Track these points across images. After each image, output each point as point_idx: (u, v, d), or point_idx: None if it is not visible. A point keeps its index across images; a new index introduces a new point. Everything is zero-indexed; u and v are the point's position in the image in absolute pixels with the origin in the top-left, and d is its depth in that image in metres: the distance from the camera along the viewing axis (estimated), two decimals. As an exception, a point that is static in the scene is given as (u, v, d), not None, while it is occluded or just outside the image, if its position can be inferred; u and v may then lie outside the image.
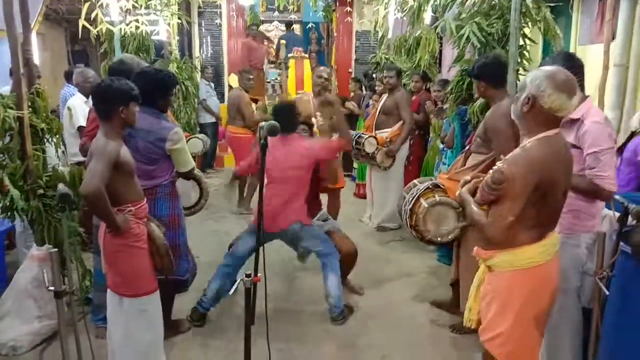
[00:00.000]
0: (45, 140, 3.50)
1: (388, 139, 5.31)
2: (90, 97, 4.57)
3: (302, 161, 3.54)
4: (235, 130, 6.29)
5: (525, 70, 3.85)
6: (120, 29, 5.83)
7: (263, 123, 2.11)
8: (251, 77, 6.39)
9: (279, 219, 3.50)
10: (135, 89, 2.52)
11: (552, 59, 2.50)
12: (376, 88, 6.32)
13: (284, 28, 12.34)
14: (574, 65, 2.40)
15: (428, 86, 5.96)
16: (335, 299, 3.59)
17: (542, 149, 1.94)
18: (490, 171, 2.03)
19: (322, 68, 5.13)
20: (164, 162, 3.05)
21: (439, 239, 3.31)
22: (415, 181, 3.59)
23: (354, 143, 5.28)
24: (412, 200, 3.32)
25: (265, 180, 3.49)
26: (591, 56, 4.69)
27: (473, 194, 2.17)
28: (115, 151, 2.37)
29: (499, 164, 2.04)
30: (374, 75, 7.91)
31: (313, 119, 4.56)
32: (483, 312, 2.18)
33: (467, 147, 3.60)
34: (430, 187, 3.36)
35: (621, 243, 2.13)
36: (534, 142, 1.97)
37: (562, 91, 1.92)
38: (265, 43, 11.00)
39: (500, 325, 2.10)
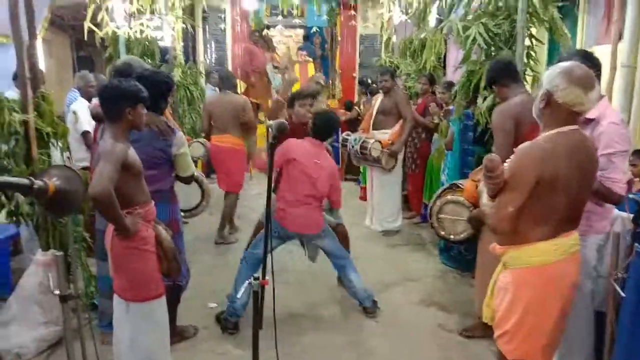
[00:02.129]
0: (51, 144, 3.48)
1: (390, 141, 5.32)
2: (92, 101, 4.60)
3: (328, 177, 3.59)
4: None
5: (532, 70, 3.82)
6: (125, 32, 5.83)
7: (271, 122, 2.09)
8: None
9: (309, 223, 3.58)
10: (144, 91, 2.49)
11: (569, 56, 2.45)
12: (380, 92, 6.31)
13: (288, 33, 12.34)
14: (592, 63, 2.34)
15: (434, 89, 5.93)
16: (363, 293, 3.73)
17: (550, 144, 1.95)
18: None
19: (317, 74, 5.15)
20: (165, 167, 3.03)
21: (451, 236, 3.31)
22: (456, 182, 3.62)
23: (359, 148, 5.30)
24: (434, 199, 3.37)
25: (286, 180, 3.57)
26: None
27: None
28: (124, 152, 2.35)
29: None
30: (369, 81, 7.94)
31: None
32: (496, 309, 2.18)
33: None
34: (449, 186, 3.40)
35: (636, 244, 2.09)
36: (543, 137, 1.98)
37: (577, 85, 1.92)
38: (269, 51, 10.99)
39: (507, 323, 2.10)
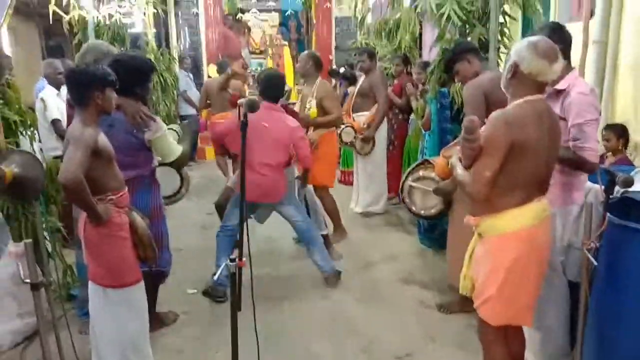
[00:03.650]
0: (19, 133, 3.38)
1: (365, 125, 5.28)
2: (61, 89, 4.48)
3: (286, 137, 3.65)
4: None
5: (506, 47, 3.84)
6: (94, 16, 5.67)
7: (242, 100, 2.05)
8: None
9: (271, 191, 3.64)
10: (112, 74, 2.43)
11: (540, 30, 2.51)
12: (356, 75, 6.27)
13: (263, 17, 12.17)
14: (561, 36, 2.44)
15: (410, 69, 5.91)
16: (325, 267, 3.86)
17: (520, 110, 2.04)
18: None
19: (305, 52, 5.04)
20: (143, 153, 2.97)
21: (422, 212, 3.33)
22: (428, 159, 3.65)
23: None
24: (405, 175, 3.39)
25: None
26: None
27: None
28: (93, 138, 2.29)
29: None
30: (339, 71, 7.93)
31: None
32: (475, 279, 2.22)
33: None
34: (421, 163, 3.42)
35: (608, 214, 2.13)
36: (512, 105, 2.08)
37: (542, 57, 2.02)
38: (245, 32, 10.85)
39: (488, 290, 2.14)
